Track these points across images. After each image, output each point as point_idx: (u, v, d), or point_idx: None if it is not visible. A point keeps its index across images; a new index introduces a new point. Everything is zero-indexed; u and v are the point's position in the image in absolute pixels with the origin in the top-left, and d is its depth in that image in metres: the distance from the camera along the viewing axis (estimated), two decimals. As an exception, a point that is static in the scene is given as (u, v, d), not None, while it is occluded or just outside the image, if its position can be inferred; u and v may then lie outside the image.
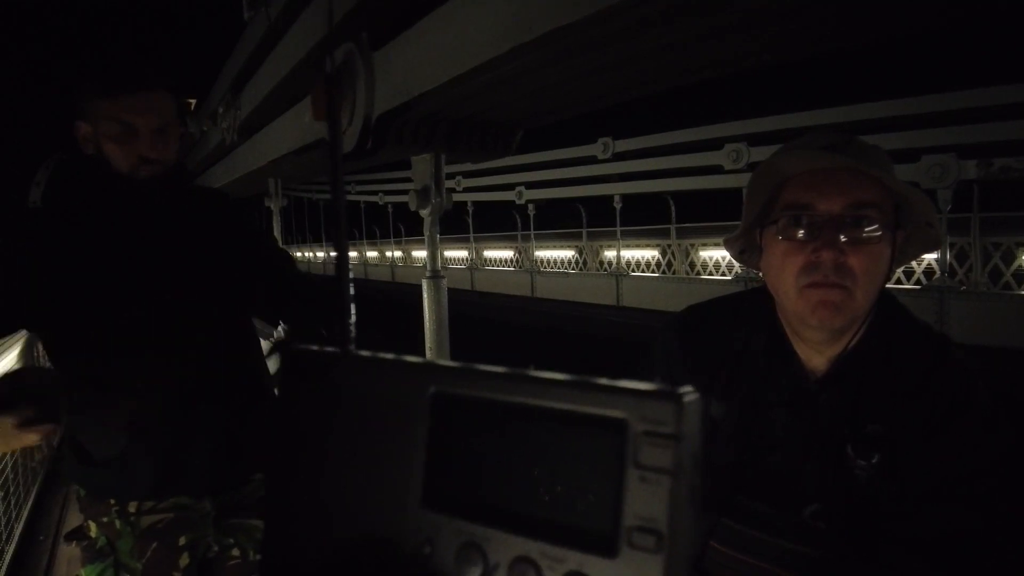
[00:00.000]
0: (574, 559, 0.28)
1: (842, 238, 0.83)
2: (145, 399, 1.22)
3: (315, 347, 0.39)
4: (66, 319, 1.23)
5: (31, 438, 1.03)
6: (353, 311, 0.41)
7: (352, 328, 0.39)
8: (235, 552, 1.38)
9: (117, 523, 1.29)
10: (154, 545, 1.29)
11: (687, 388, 0.28)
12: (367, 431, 0.35)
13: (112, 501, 1.29)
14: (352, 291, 0.40)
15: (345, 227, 0.39)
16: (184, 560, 1.30)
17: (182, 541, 1.31)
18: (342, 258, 0.39)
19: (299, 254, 37.22)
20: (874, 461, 0.85)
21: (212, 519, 1.36)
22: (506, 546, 0.30)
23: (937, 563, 0.82)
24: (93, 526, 1.32)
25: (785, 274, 0.87)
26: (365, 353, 0.37)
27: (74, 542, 1.32)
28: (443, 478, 0.32)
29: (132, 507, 1.30)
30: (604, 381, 0.29)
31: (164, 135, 1.24)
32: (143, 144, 1.21)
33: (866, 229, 0.84)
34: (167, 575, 1.29)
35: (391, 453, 0.34)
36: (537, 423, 0.30)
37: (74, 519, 3.58)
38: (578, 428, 0.29)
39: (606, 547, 0.27)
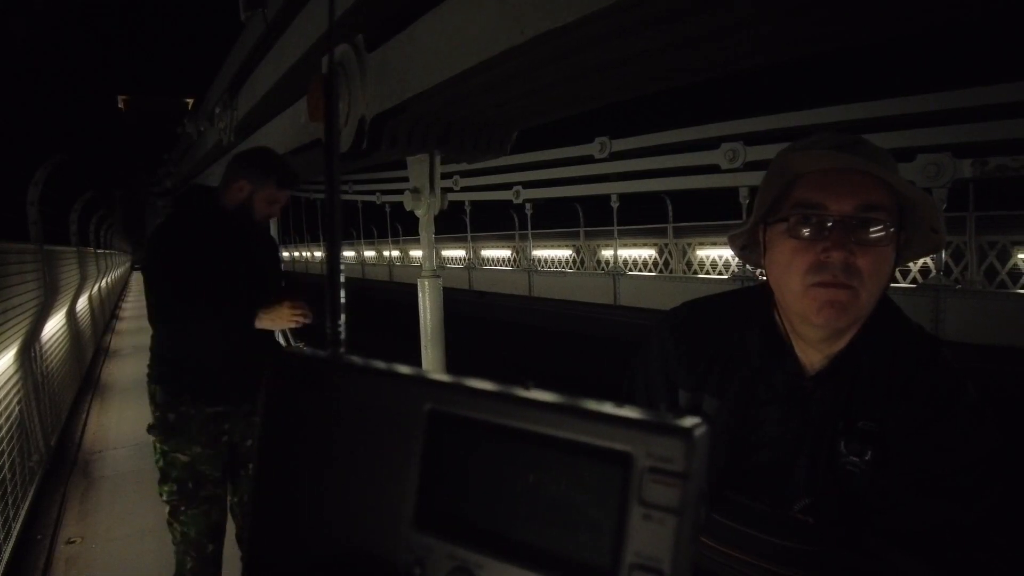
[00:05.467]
0: None
1: (852, 239, 0.84)
2: (226, 339, 2.15)
3: (306, 350, 0.37)
4: (201, 282, 2.09)
5: (298, 319, 2.10)
6: (343, 316, 0.38)
7: (343, 331, 0.37)
8: None
9: (192, 411, 2.14)
10: (210, 428, 2.15)
11: (695, 420, 0.26)
12: (358, 444, 0.33)
13: (188, 397, 2.14)
14: (343, 294, 0.38)
15: (340, 224, 0.38)
16: (224, 438, 2.19)
17: (225, 427, 2.19)
18: (334, 257, 0.38)
19: (296, 254, 37.14)
20: (866, 457, 0.86)
21: (245, 416, 2.21)
22: (500, 575, 0.29)
23: (924, 555, 0.84)
24: (172, 415, 2.13)
25: (792, 272, 0.87)
26: (357, 359, 0.35)
27: (154, 430, 2.17)
28: (437, 499, 0.31)
29: (200, 403, 2.15)
30: (609, 410, 0.28)
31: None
32: (277, 210, 2.26)
33: (874, 231, 0.84)
34: (213, 447, 2.16)
35: (383, 469, 0.32)
36: (537, 450, 0.29)
37: (72, 520, 3.58)
38: (581, 458, 0.28)
39: None
